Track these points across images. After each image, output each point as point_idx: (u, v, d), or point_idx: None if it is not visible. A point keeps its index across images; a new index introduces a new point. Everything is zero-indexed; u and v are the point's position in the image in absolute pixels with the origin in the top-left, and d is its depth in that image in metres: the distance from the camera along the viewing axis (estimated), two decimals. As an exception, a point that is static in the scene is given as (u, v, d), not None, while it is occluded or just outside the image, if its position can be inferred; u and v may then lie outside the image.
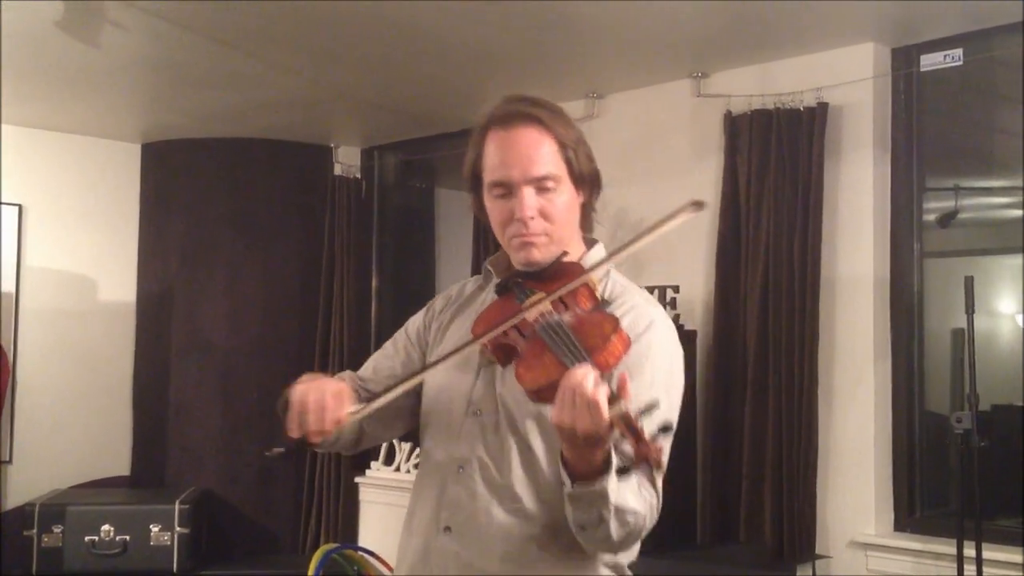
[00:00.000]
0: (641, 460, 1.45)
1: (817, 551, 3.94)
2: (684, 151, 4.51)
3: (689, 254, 4.42)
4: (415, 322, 2.03)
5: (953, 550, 3.39)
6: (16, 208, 5.61)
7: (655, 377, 1.73)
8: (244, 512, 5.72)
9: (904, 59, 4.03)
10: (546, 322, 1.65)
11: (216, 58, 4.35)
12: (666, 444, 1.52)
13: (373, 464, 5.57)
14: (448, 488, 1.79)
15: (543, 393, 1.58)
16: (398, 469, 5.44)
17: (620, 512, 1.57)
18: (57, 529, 5.03)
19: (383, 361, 2.02)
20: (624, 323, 1.67)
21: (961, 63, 3.76)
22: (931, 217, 4.09)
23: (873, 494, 3.93)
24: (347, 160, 6.00)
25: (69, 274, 5.80)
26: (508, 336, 1.69)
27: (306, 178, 5.98)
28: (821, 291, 3.98)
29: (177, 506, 5.13)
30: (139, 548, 5.08)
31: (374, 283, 6.08)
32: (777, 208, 4.07)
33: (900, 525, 3.98)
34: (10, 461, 5.51)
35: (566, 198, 1.80)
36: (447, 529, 1.78)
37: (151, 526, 5.09)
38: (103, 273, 5.93)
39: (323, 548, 4.67)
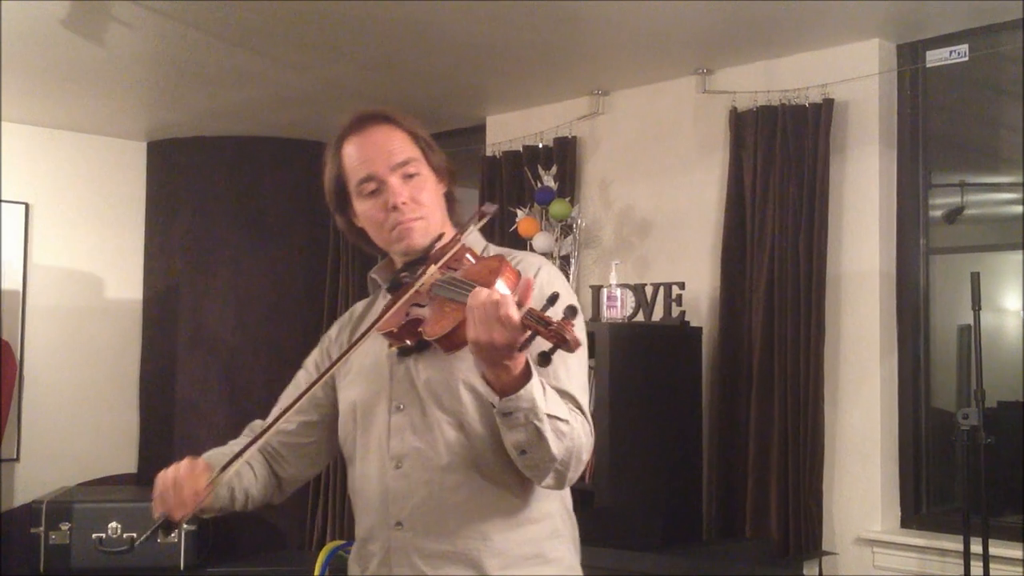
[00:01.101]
0: (558, 341, 1.49)
1: (823, 547, 3.95)
2: (689, 148, 4.51)
3: (694, 251, 4.43)
4: (312, 357, 2.10)
5: (959, 546, 3.39)
6: (23, 206, 5.62)
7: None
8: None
9: (910, 55, 4.03)
10: (439, 281, 1.74)
11: (221, 56, 4.36)
12: (578, 324, 1.55)
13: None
14: (391, 486, 1.83)
15: (453, 337, 1.65)
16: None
17: (553, 421, 1.64)
18: (64, 526, 5.05)
19: (285, 400, 2.03)
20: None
21: (967, 59, 3.76)
22: (937, 213, 4.09)
23: (879, 490, 3.93)
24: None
25: (75, 272, 5.82)
26: (410, 315, 1.76)
27: (311, 176, 5.88)
28: (827, 287, 3.98)
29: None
30: (146, 545, 5.01)
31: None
32: (783, 204, 4.07)
33: (906, 521, 3.98)
34: (17, 459, 5.53)
35: (430, 184, 1.90)
36: (399, 524, 1.82)
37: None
38: (109, 271, 5.94)
39: (329, 545, 4.67)
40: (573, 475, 1.72)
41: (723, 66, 4.38)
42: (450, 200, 1.97)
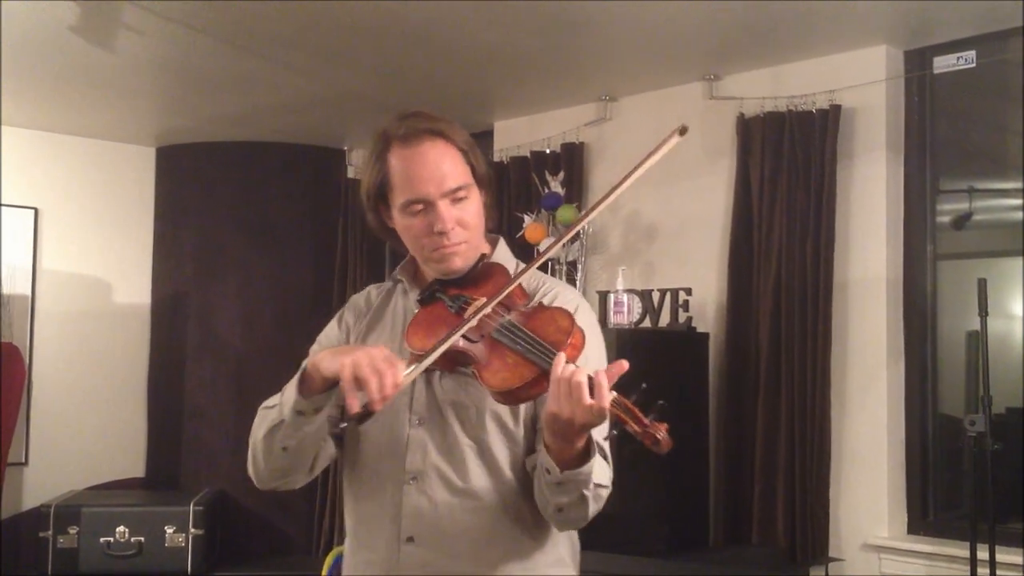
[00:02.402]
0: (647, 441, 1.52)
1: (830, 553, 3.94)
2: (696, 154, 4.51)
3: (701, 256, 4.43)
4: (329, 334, 2.06)
5: (966, 553, 3.38)
6: (32, 211, 5.64)
7: (589, 356, 1.74)
8: (258, 514, 5.74)
9: (917, 61, 4.03)
10: (500, 324, 1.69)
11: (230, 62, 4.37)
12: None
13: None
14: (404, 500, 1.80)
15: (515, 394, 1.63)
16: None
17: (597, 488, 1.67)
18: (72, 530, 5.06)
19: None
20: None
21: (974, 65, 3.75)
22: (945, 219, 4.08)
23: (886, 497, 3.93)
24: (360, 163, 6.02)
25: (84, 277, 5.84)
26: (458, 344, 1.70)
27: (319, 181, 5.99)
28: (834, 293, 3.98)
29: (192, 507, 5.16)
30: (154, 549, 5.10)
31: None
32: (790, 210, 4.07)
33: (913, 528, 3.97)
34: (26, 463, 5.54)
35: (476, 203, 1.86)
36: (410, 539, 1.80)
37: (166, 527, 5.12)
38: (118, 276, 5.96)
39: (336, 550, 4.68)
40: (589, 519, 1.75)
41: (730, 72, 4.39)
42: (488, 209, 1.92)
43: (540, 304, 1.79)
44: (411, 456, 1.81)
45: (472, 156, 1.86)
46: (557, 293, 1.87)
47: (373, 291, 2.06)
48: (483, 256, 1.87)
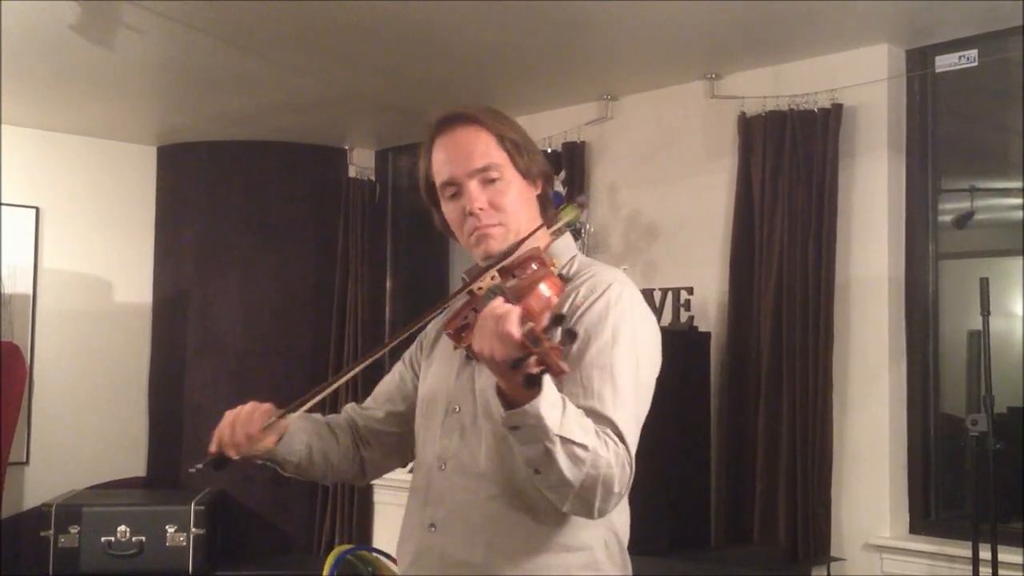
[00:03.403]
0: (541, 365, 1.44)
1: (832, 553, 3.93)
2: (698, 153, 4.51)
3: (703, 256, 4.42)
4: (411, 349, 2.10)
5: (968, 552, 3.37)
6: (33, 210, 5.64)
7: (617, 335, 1.72)
8: (259, 513, 5.74)
9: (919, 60, 4.02)
10: (489, 288, 1.71)
11: (231, 61, 4.37)
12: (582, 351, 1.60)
13: (387, 466, 5.58)
14: (432, 486, 1.83)
15: None
16: (412, 471, 5.44)
17: (567, 444, 1.54)
18: (74, 530, 5.06)
19: (382, 387, 2.10)
20: (582, 290, 1.76)
21: (976, 64, 3.74)
22: (947, 218, 4.08)
23: (888, 496, 3.92)
24: (361, 162, 6.02)
25: (85, 276, 5.83)
26: (468, 318, 1.74)
27: (320, 180, 5.99)
28: (835, 293, 3.97)
29: (193, 507, 5.15)
30: (155, 549, 5.10)
31: (388, 285, 6.09)
32: (791, 209, 4.06)
33: (915, 527, 3.96)
34: (27, 462, 5.54)
35: (515, 188, 1.85)
36: (432, 526, 1.81)
37: (167, 527, 5.12)
38: (119, 275, 5.96)
39: (337, 549, 4.67)
40: (603, 505, 1.63)
41: (732, 71, 4.38)
42: (543, 202, 1.92)
43: (538, 270, 1.75)
44: (444, 442, 1.83)
45: (512, 143, 1.85)
46: (594, 274, 1.82)
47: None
48: (522, 241, 1.83)
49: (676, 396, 4.06)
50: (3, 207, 5.48)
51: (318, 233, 5.97)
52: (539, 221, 1.89)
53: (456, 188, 1.83)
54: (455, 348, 1.83)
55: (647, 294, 4.22)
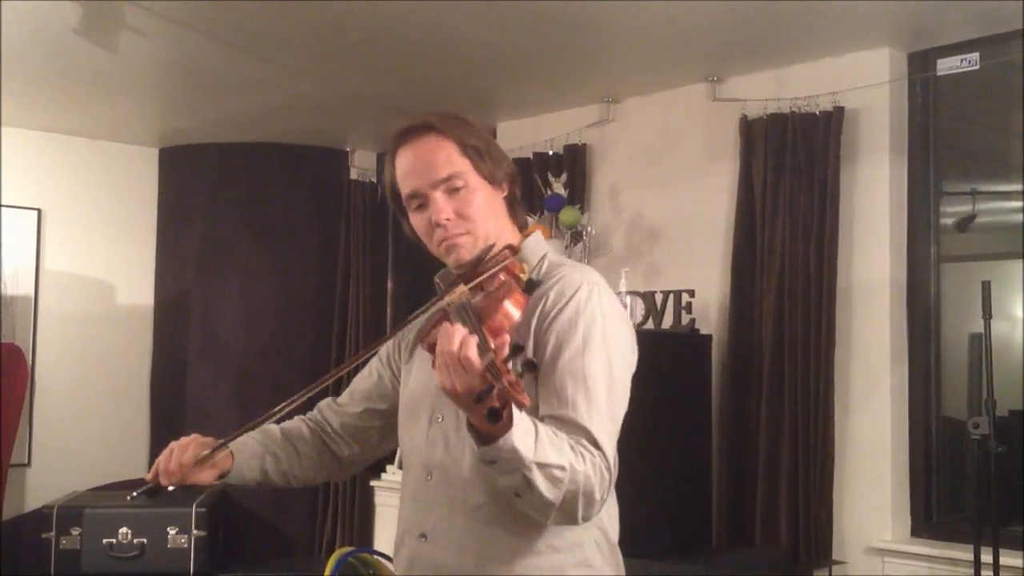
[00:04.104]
0: (502, 403, 1.42)
1: (833, 556, 3.93)
2: (700, 155, 4.51)
3: (704, 258, 4.42)
4: (387, 345, 2.09)
5: (970, 556, 3.37)
6: (35, 212, 5.65)
7: (588, 339, 1.72)
8: (260, 515, 5.74)
9: (920, 63, 4.02)
10: (458, 305, 1.68)
11: (233, 63, 4.37)
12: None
13: (388, 468, 5.59)
14: (420, 496, 1.84)
15: None
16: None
17: (544, 468, 1.54)
18: (75, 531, 5.05)
19: (358, 384, 2.11)
20: (552, 294, 1.75)
21: (978, 67, 3.74)
22: (949, 221, 4.07)
23: (890, 499, 3.92)
24: (363, 164, 6.03)
25: (87, 278, 5.84)
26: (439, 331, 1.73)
27: (322, 182, 6.00)
28: (837, 295, 3.97)
29: (194, 509, 5.15)
30: (156, 551, 5.10)
31: (389, 286, 6.10)
32: (793, 212, 4.06)
33: (917, 530, 3.96)
34: (28, 464, 5.55)
35: (481, 194, 1.84)
36: (423, 536, 1.82)
37: (168, 529, 5.11)
38: (121, 277, 5.96)
39: (339, 551, 4.67)
40: (586, 513, 1.64)
41: (733, 74, 4.38)
42: (511, 203, 1.91)
43: (504, 283, 1.73)
44: (429, 452, 1.83)
45: (475, 150, 1.84)
46: (562, 276, 1.81)
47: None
48: (491, 246, 1.83)
49: (677, 398, 4.06)
50: (6, 209, 5.49)
51: (320, 235, 5.98)
52: (508, 224, 1.90)
53: (421, 200, 1.83)
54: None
55: (648, 297, 4.22)
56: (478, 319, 1.58)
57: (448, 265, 1.89)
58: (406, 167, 1.84)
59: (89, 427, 5.75)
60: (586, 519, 1.67)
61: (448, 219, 1.81)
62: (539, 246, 1.91)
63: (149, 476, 1.88)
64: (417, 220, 1.86)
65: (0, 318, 5.44)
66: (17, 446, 5.37)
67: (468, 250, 1.83)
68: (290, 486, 2.05)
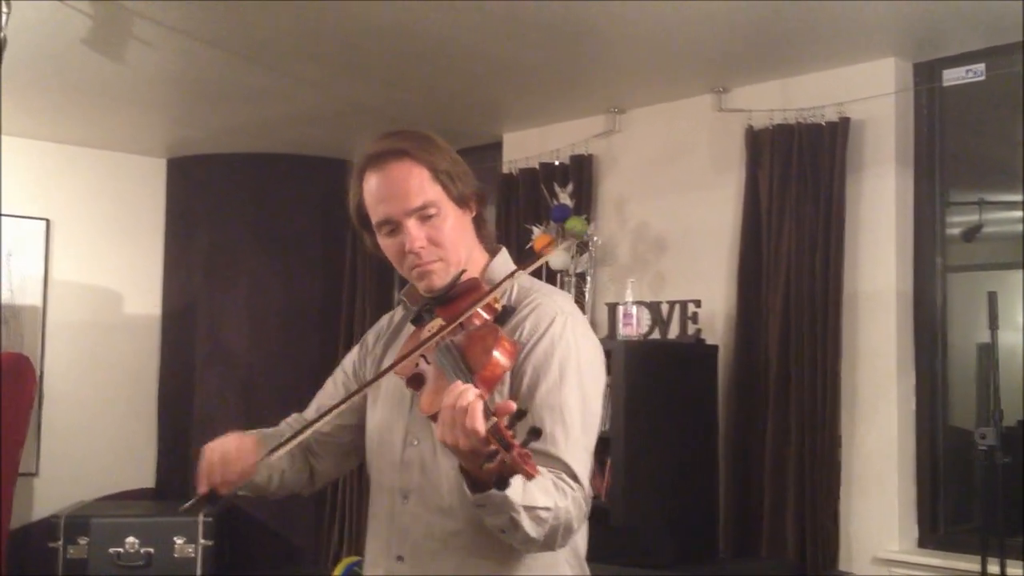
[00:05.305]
0: (511, 472, 1.45)
1: (840, 567, 3.92)
2: (705, 166, 4.52)
3: (710, 269, 4.42)
4: (351, 358, 2.09)
5: (977, 567, 3.37)
6: (43, 223, 5.67)
7: (564, 372, 1.75)
8: (267, 524, 5.75)
9: (926, 74, 4.03)
10: (442, 346, 1.70)
11: (240, 74, 4.39)
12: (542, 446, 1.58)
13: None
14: (396, 518, 1.84)
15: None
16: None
17: (531, 511, 1.57)
18: (82, 541, 5.06)
19: (324, 400, 2.07)
20: (527, 325, 1.77)
21: (983, 78, 3.75)
22: (955, 231, 4.07)
23: (896, 510, 3.91)
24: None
25: (95, 287, 5.86)
26: (418, 366, 1.75)
27: (329, 192, 6.01)
28: (843, 306, 3.97)
29: (201, 518, 5.16)
30: (163, 560, 5.10)
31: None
32: (799, 223, 4.06)
33: (923, 541, 3.96)
34: (36, 473, 5.56)
35: (451, 220, 1.84)
36: (399, 559, 1.82)
37: (175, 538, 5.12)
38: (129, 286, 5.98)
39: (345, 561, 4.69)
40: (563, 542, 1.69)
41: (739, 84, 4.39)
42: (479, 223, 1.92)
43: (486, 322, 1.75)
44: (404, 475, 1.84)
45: (446, 175, 1.84)
46: (536, 305, 1.82)
47: (398, 311, 2.08)
48: (463, 272, 1.84)
49: (684, 408, 4.06)
50: (15, 219, 5.51)
51: (326, 244, 6.00)
52: (477, 245, 1.91)
53: (393, 226, 1.83)
54: (411, 390, 1.82)
55: (654, 307, 4.22)
56: (469, 370, 1.61)
57: (419, 289, 1.89)
58: (380, 193, 1.83)
59: (97, 436, 5.76)
60: (562, 547, 1.71)
61: (422, 247, 1.81)
62: (507, 265, 1.93)
63: (203, 488, 1.82)
64: (388, 244, 1.86)
65: (0, 326, 5.46)
66: (25, 455, 5.36)
67: (440, 276, 1.84)
68: (272, 495, 2.02)
